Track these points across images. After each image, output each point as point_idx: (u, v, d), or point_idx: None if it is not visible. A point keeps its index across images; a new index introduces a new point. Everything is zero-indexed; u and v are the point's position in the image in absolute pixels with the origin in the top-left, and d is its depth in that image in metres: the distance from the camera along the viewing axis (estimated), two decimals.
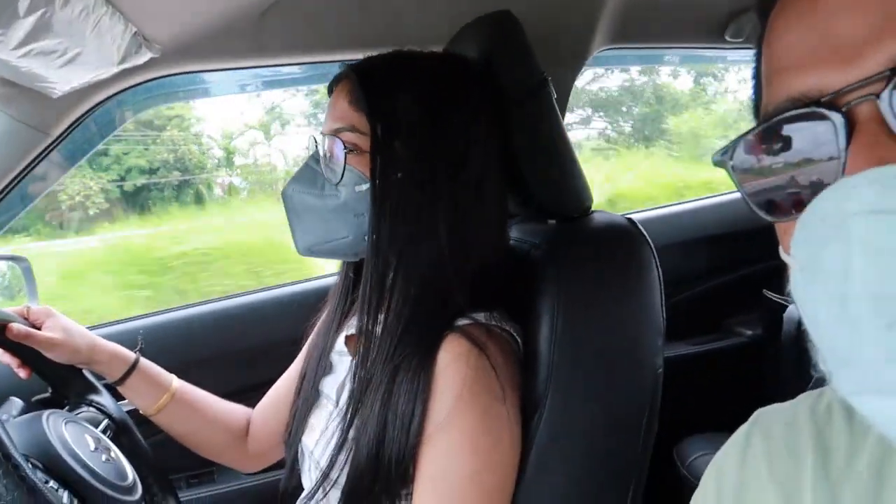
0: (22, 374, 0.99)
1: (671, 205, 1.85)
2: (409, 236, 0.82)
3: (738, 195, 1.58)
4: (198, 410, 1.10)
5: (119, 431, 1.04)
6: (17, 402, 1.07)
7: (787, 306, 1.57)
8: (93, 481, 0.85)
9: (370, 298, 0.84)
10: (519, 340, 0.86)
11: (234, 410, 1.14)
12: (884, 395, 0.32)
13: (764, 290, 1.65)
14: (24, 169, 1.19)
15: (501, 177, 0.89)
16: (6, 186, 1.19)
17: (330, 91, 0.91)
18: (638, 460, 0.85)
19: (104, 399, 1.06)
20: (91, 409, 1.03)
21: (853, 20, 0.36)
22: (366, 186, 0.84)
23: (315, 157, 0.89)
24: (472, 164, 0.85)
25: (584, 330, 0.84)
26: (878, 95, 0.35)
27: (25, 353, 0.98)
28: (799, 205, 0.38)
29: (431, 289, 0.82)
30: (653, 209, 1.82)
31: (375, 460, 0.79)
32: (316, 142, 0.90)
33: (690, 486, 1.55)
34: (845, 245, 0.33)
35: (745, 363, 1.75)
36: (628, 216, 0.96)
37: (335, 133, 0.86)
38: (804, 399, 0.53)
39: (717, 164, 0.45)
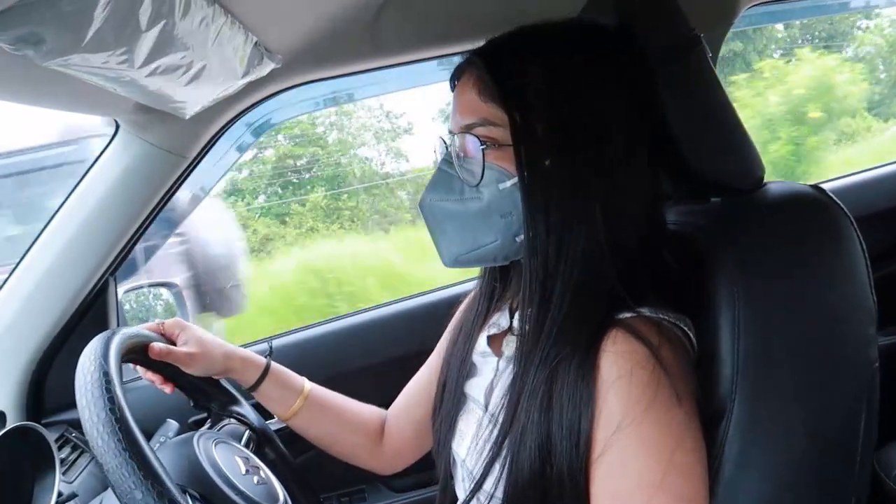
0: (166, 390, 1.00)
1: (847, 174, 1.62)
2: (565, 226, 0.74)
3: None
4: (332, 412, 1.07)
5: (261, 442, 1.03)
6: (173, 425, 1.09)
7: None
8: None
9: (531, 298, 0.76)
10: (692, 337, 0.75)
11: (367, 411, 1.11)
12: None
13: None
14: (166, 192, 1.22)
15: (648, 150, 0.80)
16: (151, 212, 1.23)
17: (453, 85, 0.84)
18: (857, 474, 0.70)
19: (244, 409, 1.06)
20: (232, 420, 1.02)
21: None
22: (510, 182, 0.76)
23: (447, 160, 0.82)
24: (619, 138, 0.76)
25: (777, 321, 0.71)
26: None
27: (167, 369, 0.98)
28: None
29: (592, 279, 0.74)
30: (827, 181, 1.60)
31: (540, 475, 0.71)
32: (446, 143, 0.83)
33: None
34: None
35: None
36: (814, 185, 0.81)
37: (467, 130, 0.79)
38: None
39: None
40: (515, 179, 0.76)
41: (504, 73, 0.77)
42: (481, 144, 0.77)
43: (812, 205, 0.77)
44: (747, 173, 0.83)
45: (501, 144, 0.76)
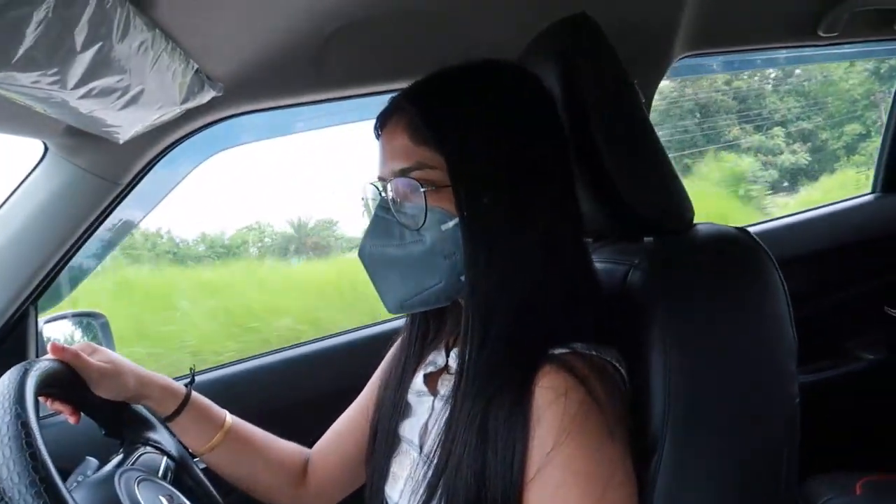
0: (72, 420, 0.91)
1: (773, 219, 1.70)
2: (506, 262, 0.75)
3: (845, 205, 1.41)
4: (252, 450, 1.02)
5: (179, 471, 0.96)
6: (92, 463, 1.02)
7: None
8: None
9: (472, 336, 0.75)
10: (623, 372, 0.76)
11: (290, 450, 1.06)
12: None
13: (886, 308, 1.48)
14: (95, 219, 1.18)
15: (585, 190, 0.83)
16: (79, 238, 1.18)
17: (378, 132, 0.84)
18: None
19: (160, 436, 0.98)
20: (148, 447, 0.95)
21: None
22: (452, 223, 0.76)
23: (383, 206, 0.81)
24: (554, 176, 0.78)
25: (704, 358, 0.73)
26: None
27: (75, 397, 0.90)
28: None
29: (532, 316, 0.74)
30: (753, 225, 1.68)
31: (476, 496, 0.71)
32: (379, 189, 0.83)
33: None
34: None
35: (868, 391, 1.56)
36: (740, 228, 0.85)
37: (402, 174, 0.78)
38: None
39: None
40: (457, 219, 0.76)
41: (435, 116, 0.77)
42: (422, 187, 0.77)
43: (739, 246, 0.81)
44: (679, 214, 0.86)
45: (440, 186, 0.76)
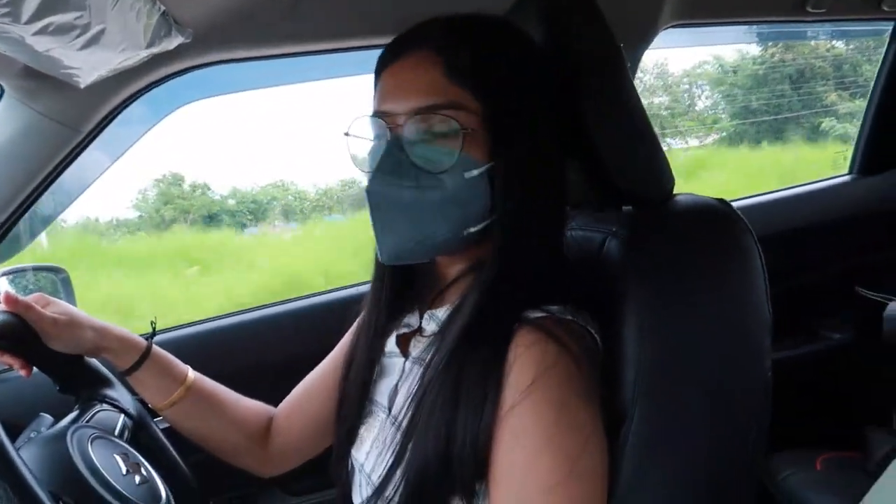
0: (23, 373, 0.87)
1: (748, 196, 1.70)
2: (522, 219, 0.74)
3: (821, 185, 1.41)
4: (214, 406, 0.99)
5: (137, 428, 0.94)
6: (46, 419, 0.99)
7: (885, 304, 1.41)
8: None
9: (475, 291, 0.74)
10: (597, 338, 0.75)
11: (254, 408, 1.03)
12: None
13: (856, 287, 1.49)
14: (55, 167, 1.13)
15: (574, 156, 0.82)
16: (38, 186, 1.13)
17: (394, 58, 0.75)
18: (747, 479, 0.72)
19: (118, 392, 0.96)
20: (104, 405, 0.92)
21: None
22: (477, 171, 0.72)
23: (397, 143, 0.73)
24: (554, 135, 0.77)
25: (678, 328, 0.72)
26: None
27: (28, 350, 0.86)
28: None
29: (515, 275, 0.73)
30: (733, 200, 1.68)
31: (445, 472, 0.69)
32: (387, 125, 0.74)
33: None
34: None
35: (835, 370, 1.58)
36: (720, 199, 0.84)
37: (430, 111, 0.71)
38: None
39: None
40: (484, 168, 0.72)
41: (479, 56, 0.73)
42: (462, 128, 0.71)
43: (719, 218, 0.80)
44: (659, 184, 0.84)
45: (473, 130, 0.72)
